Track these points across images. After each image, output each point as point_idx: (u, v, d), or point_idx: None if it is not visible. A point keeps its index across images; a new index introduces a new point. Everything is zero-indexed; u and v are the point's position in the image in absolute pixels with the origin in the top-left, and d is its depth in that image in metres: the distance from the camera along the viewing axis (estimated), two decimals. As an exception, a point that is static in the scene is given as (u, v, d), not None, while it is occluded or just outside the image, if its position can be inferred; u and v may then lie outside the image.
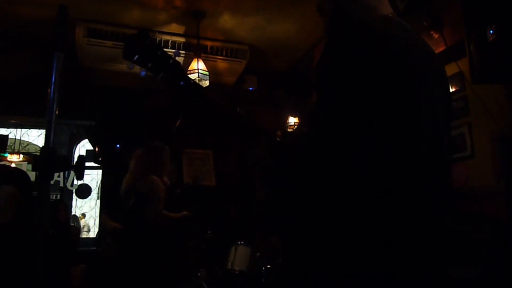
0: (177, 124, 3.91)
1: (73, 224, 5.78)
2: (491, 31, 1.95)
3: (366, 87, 0.95)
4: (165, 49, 1.24)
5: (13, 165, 5.02)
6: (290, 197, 1.10)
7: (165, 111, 4.11)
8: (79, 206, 6.70)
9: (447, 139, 1.08)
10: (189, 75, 3.74)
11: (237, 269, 2.88)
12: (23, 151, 6.31)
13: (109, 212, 3.35)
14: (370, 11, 1.14)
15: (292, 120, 4.18)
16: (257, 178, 4.32)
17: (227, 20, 3.82)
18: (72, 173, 6.06)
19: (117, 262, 2.96)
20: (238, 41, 4.17)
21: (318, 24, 1.24)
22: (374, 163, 0.93)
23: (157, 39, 3.87)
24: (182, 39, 3.97)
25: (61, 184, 6.27)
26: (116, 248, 3.05)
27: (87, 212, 6.71)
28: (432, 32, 2.83)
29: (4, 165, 4.30)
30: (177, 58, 1.25)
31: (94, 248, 5.50)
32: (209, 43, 4.06)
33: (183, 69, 1.26)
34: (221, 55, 4.13)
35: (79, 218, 6.55)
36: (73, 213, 6.36)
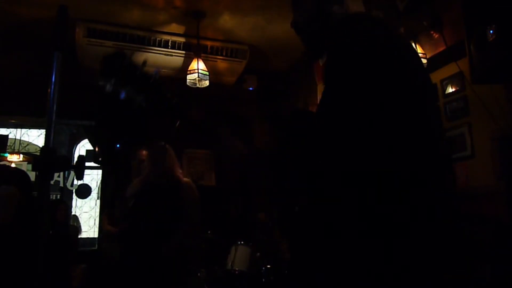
0: (177, 124, 3.90)
1: (73, 224, 5.78)
2: (491, 31, 1.95)
3: (367, 87, 0.95)
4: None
5: (13, 165, 5.02)
6: (296, 197, 1.09)
7: (165, 111, 4.10)
8: (79, 206, 6.68)
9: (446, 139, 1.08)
10: (189, 75, 3.75)
11: (237, 269, 2.89)
12: (23, 151, 6.30)
13: (109, 213, 3.35)
14: (350, 9, 1.15)
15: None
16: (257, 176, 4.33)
17: (227, 20, 3.82)
18: (72, 173, 6.05)
19: (118, 263, 2.96)
20: (238, 41, 4.17)
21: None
22: (379, 163, 0.93)
23: (157, 39, 3.88)
24: (182, 39, 3.97)
25: (61, 184, 6.26)
26: (115, 250, 3.05)
27: (87, 212, 6.70)
28: (432, 32, 2.83)
29: (4, 165, 4.29)
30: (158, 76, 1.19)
31: (94, 248, 5.51)
32: (209, 43, 4.06)
33: (165, 89, 1.21)
34: (221, 55, 4.13)
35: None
36: (73, 213, 6.35)
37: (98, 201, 6.34)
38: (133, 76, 1.14)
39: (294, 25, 1.27)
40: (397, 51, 1.02)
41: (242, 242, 3.03)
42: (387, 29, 1.07)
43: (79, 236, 5.18)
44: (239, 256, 2.94)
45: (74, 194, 6.57)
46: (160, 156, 2.89)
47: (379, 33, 1.02)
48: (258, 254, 2.98)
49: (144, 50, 3.84)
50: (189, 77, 3.74)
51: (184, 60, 4.00)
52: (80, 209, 6.67)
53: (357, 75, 0.95)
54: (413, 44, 2.86)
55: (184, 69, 3.88)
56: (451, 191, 1.03)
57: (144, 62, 1.17)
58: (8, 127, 6.01)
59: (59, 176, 6.17)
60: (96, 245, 5.43)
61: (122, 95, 1.13)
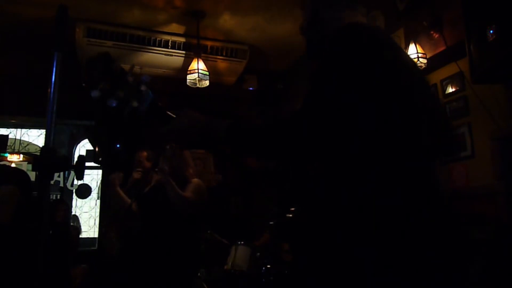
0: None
1: (73, 224, 5.78)
2: (491, 31, 1.95)
3: (367, 96, 0.95)
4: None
5: (13, 165, 5.02)
6: (291, 200, 1.09)
7: (164, 111, 4.10)
8: (79, 206, 6.69)
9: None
10: (189, 75, 3.75)
11: (237, 269, 2.89)
12: (23, 151, 6.30)
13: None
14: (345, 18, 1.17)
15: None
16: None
17: (227, 20, 3.83)
18: (72, 173, 6.06)
19: (119, 257, 2.95)
20: (238, 41, 4.17)
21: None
22: (373, 167, 0.93)
23: (157, 39, 3.88)
24: (182, 39, 3.97)
25: (61, 184, 6.26)
26: (118, 243, 3.04)
27: (87, 212, 6.71)
28: (432, 32, 2.83)
29: (4, 165, 4.29)
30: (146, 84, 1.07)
31: (94, 248, 5.51)
32: (209, 43, 4.06)
33: (155, 98, 1.12)
34: (221, 55, 4.13)
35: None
36: (73, 213, 6.35)
37: (98, 201, 6.35)
38: (122, 82, 1.04)
39: (300, 27, 1.28)
40: (396, 62, 1.03)
41: (242, 242, 3.03)
42: (386, 40, 1.08)
43: (79, 236, 5.18)
44: (239, 256, 2.94)
45: (74, 194, 6.57)
46: (170, 155, 2.90)
47: (379, 44, 1.03)
48: (258, 254, 2.98)
49: (144, 50, 3.84)
50: (189, 77, 3.75)
51: (184, 60, 4.00)
52: (80, 209, 6.67)
53: (357, 85, 0.95)
54: (413, 44, 2.86)
55: (184, 69, 3.88)
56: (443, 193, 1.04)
57: (132, 66, 1.10)
58: (8, 127, 6.01)
59: (59, 176, 6.18)
60: (96, 245, 5.43)
61: (113, 104, 1.04)
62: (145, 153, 3.25)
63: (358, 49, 0.97)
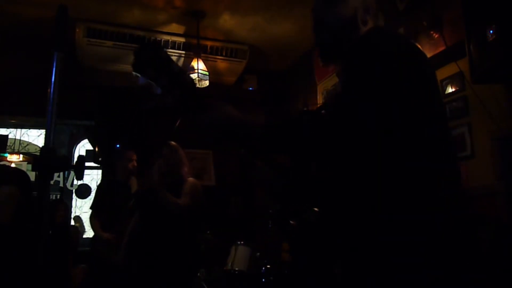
0: (177, 124, 3.91)
1: (76, 224, 5.79)
2: (491, 31, 1.95)
3: (403, 99, 0.95)
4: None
5: (13, 165, 5.02)
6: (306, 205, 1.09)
7: (165, 111, 4.11)
8: (79, 206, 6.68)
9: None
10: (189, 75, 3.75)
11: (237, 269, 2.88)
12: (23, 151, 6.30)
13: (99, 215, 3.36)
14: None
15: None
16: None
17: (227, 20, 3.83)
18: (72, 173, 6.05)
19: (112, 265, 2.98)
20: (238, 41, 4.17)
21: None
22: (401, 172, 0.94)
23: (157, 39, 3.87)
24: (182, 39, 3.97)
25: (61, 184, 6.26)
26: (110, 252, 3.07)
27: (87, 212, 6.71)
28: (432, 32, 2.83)
29: (4, 165, 4.29)
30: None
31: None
32: (209, 43, 4.07)
33: (196, 88, 1.11)
34: (221, 55, 4.13)
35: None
36: (73, 213, 6.35)
37: (98, 201, 6.33)
38: (169, 70, 1.05)
39: (319, 21, 1.21)
40: (425, 67, 1.05)
41: (242, 242, 3.03)
42: (413, 45, 1.10)
43: (84, 236, 5.19)
44: (239, 256, 2.94)
45: (74, 194, 6.57)
46: (166, 155, 2.91)
47: (411, 48, 1.05)
48: (258, 254, 2.98)
49: (144, 50, 3.84)
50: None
51: (184, 60, 4.00)
52: (80, 209, 6.67)
53: (395, 86, 0.95)
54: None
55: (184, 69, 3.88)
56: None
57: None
58: (8, 127, 6.01)
59: (59, 176, 6.17)
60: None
61: (158, 91, 1.06)
62: (132, 153, 3.28)
63: (377, 57, 0.97)
